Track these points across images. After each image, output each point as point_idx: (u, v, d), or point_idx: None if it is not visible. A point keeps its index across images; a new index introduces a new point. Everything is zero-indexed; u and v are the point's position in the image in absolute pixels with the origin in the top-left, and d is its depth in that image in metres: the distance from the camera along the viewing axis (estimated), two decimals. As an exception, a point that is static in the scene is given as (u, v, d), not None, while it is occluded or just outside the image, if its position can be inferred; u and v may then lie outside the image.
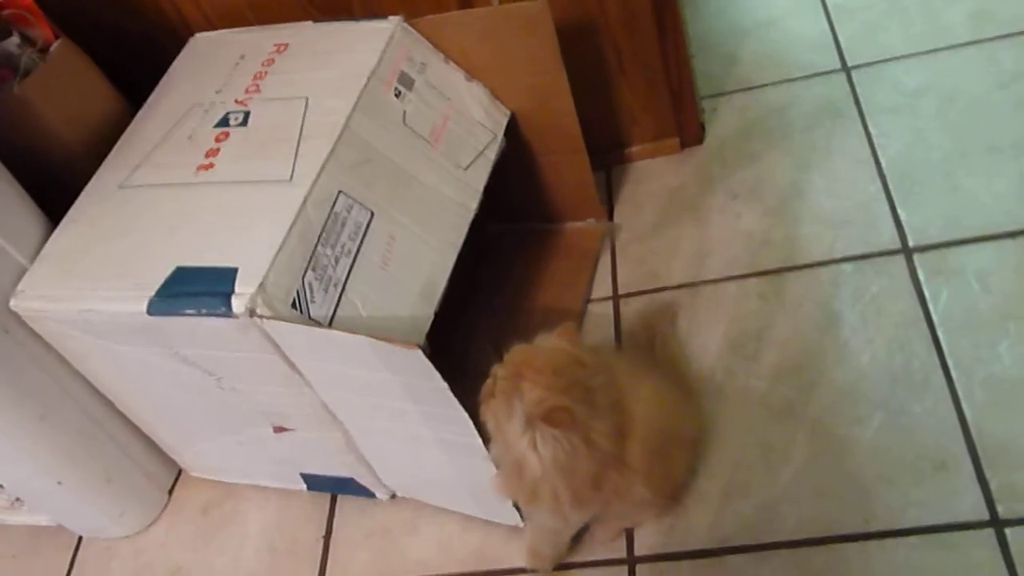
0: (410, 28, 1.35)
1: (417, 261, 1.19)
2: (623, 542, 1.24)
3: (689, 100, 1.61)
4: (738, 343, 1.38)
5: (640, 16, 1.47)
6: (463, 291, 1.49)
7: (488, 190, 1.32)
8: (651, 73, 1.56)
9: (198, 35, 1.48)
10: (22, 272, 1.20)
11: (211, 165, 1.21)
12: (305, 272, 1.08)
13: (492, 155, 1.36)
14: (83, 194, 1.27)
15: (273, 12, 1.48)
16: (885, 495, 1.17)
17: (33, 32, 1.38)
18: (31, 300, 1.17)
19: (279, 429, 1.28)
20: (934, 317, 1.31)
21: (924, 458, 1.19)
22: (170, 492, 1.52)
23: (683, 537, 1.22)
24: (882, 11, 1.78)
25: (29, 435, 1.29)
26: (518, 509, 1.23)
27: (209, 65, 1.39)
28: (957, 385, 1.24)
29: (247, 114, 1.27)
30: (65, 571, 1.47)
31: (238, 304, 1.03)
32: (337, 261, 1.11)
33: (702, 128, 1.68)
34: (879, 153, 1.54)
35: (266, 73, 1.33)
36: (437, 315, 1.17)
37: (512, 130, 1.42)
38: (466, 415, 1.05)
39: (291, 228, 1.09)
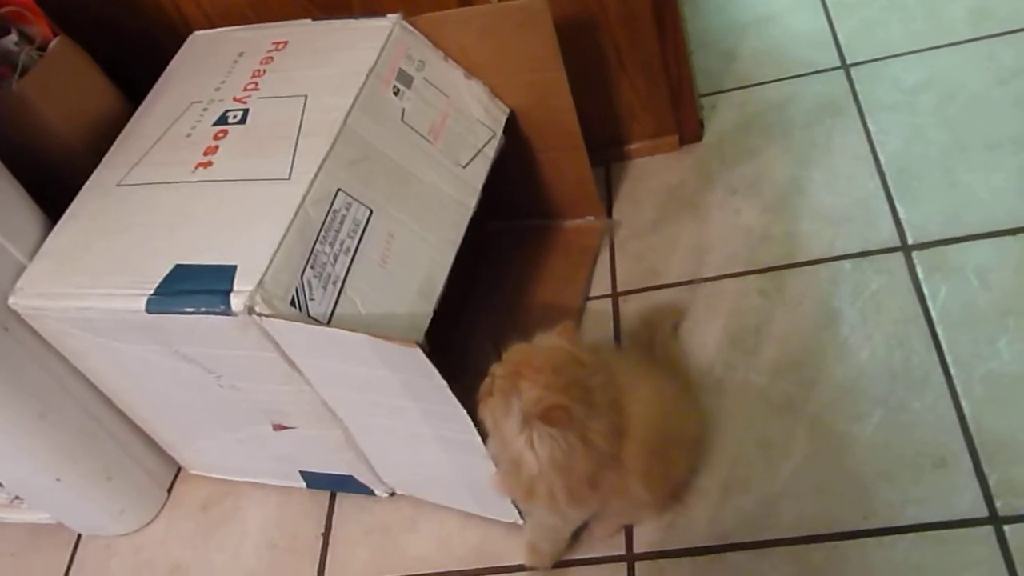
0: (409, 26, 1.35)
1: (416, 259, 1.19)
2: (622, 539, 1.25)
3: (688, 97, 1.61)
4: (738, 339, 1.38)
5: (639, 13, 1.47)
6: (462, 289, 1.49)
7: (487, 187, 1.32)
8: (650, 70, 1.56)
9: (197, 33, 1.48)
10: (21, 270, 1.20)
11: (210, 163, 1.21)
12: (304, 270, 1.08)
13: (491, 152, 1.36)
14: (82, 192, 1.27)
15: (272, 10, 1.48)
16: (884, 492, 1.17)
17: (32, 30, 1.38)
18: (30, 298, 1.17)
19: (278, 427, 1.28)
20: (933, 314, 1.31)
21: (923, 455, 1.19)
22: (169, 490, 1.52)
23: (682, 533, 1.22)
24: (882, 7, 1.77)
25: (28, 433, 1.29)
26: (517, 506, 1.23)
27: (208, 63, 1.39)
28: (956, 382, 1.24)
29: (246, 112, 1.27)
30: (64, 569, 1.47)
31: (237, 302, 1.03)
32: (336, 259, 1.11)
33: (701, 125, 1.68)
34: (878, 150, 1.54)
35: (265, 71, 1.33)
36: (436, 313, 1.17)
37: (511, 127, 1.42)
38: (465, 412, 1.05)
39: (290, 226, 1.09)
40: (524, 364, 1.06)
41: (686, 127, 1.66)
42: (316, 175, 1.14)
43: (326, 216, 1.12)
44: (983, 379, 1.23)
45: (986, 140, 1.49)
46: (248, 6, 1.49)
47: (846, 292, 1.38)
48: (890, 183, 1.49)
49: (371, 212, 1.17)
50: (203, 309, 1.05)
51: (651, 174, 1.67)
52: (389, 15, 1.34)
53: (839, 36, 1.76)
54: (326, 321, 1.07)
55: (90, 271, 1.15)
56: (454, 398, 1.03)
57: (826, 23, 1.79)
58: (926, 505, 1.15)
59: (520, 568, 1.26)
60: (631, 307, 1.49)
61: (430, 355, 0.98)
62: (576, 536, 1.25)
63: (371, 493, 1.38)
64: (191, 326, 1.08)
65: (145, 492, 1.48)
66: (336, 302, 1.09)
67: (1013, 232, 1.36)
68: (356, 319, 1.10)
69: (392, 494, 1.38)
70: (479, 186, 1.31)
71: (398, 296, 1.15)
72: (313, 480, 1.40)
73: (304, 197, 1.12)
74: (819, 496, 1.20)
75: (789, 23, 1.83)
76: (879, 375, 1.28)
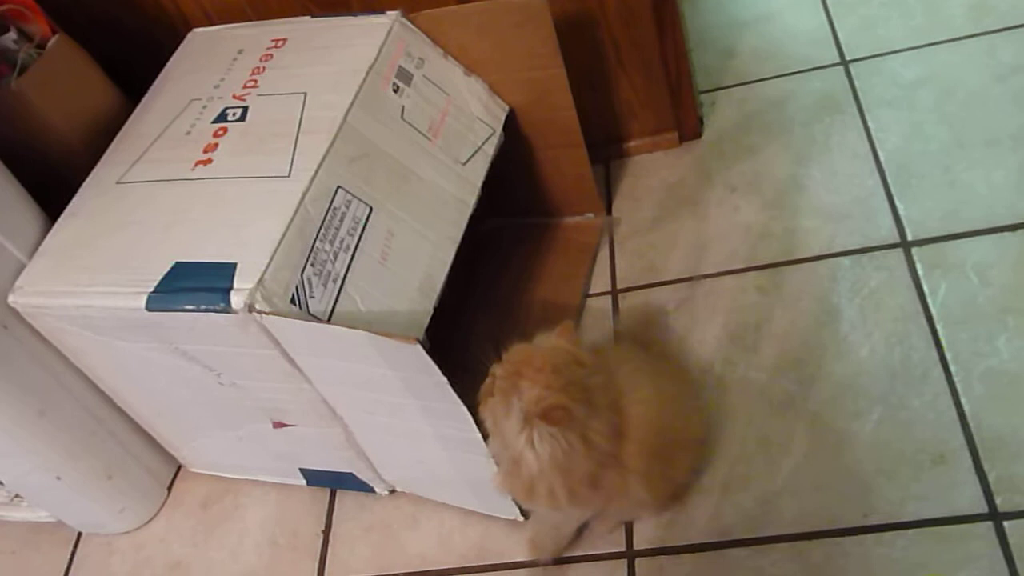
0: (408, 23, 1.35)
1: (416, 256, 1.19)
2: (622, 535, 1.25)
3: (688, 94, 1.61)
4: (737, 336, 1.39)
5: (639, 10, 1.47)
6: (462, 286, 1.49)
7: (487, 185, 1.32)
8: (650, 67, 1.56)
9: (196, 30, 1.48)
10: (20, 268, 1.20)
11: (209, 160, 1.21)
12: (304, 267, 1.08)
13: (491, 150, 1.35)
14: (81, 190, 1.27)
15: (271, 7, 1.48)
16: (884, 488, 1.18)
17: (30, 27, 1.38)
18: (29, 296, 1.17)
19: (278, 424, 1.28)
20: (933, 311, 1.31)
21: (923, 451, 1.19)
22: (169, 487, 1.52)
23: (683, 530, 1.22)
24: (881, 4, 1.77)
25: (28, 431, 1.29)
26: (518, 504, 1.23)
27: (207, 60, 1.39)
28: (956, 379, 1.24)
29: (245, 109, 1.27)
30: (65, 567, 1.47)
31: (237, 300, 1.03)
32: (336, 256, 1.11)
33: (701, 122, 1.68)
34: (877, 147, 1.54)
35: (264, 68, 1.33)
36: (436, 310, 1.17)
37: (511, 125, 1.42)
38: (465, 410, 1.05)
39: (290, 223, 1.09)
40: (524, 364, 1.06)
41: (685, 124, 1.66)
42: (316, 172, 1.14)
43: (326, 213, 1.12)
44: (983, 376, 1.23)
45: (985, 136, 1.49)
46: (247, 3, 1.49)
47: (845, 289, 1.38)
48: (889, 180, 1.49)
49: (371, 209, 1.17)
50: (203, 307, 1.05)
51: (650, 171, 1.67)
52: (388, 12, 1.34)
53: (838, 33, 1.76)
54: (326, 319, 1.07)
55: (90, 269, 1.15)
56: (454, 395, 1.03)
57: (825, 20, 1.79)
58: (926, 502, 1.15)
59: (521, 565, 1.26)
60: (630, 304, 1.49)
61: (430, 352, 0.98)
62: (578, 532, 1.25)
63: (371, 491, 1.38)
64: (191, 324, 1.08)
65: (145, 490, 1.48)
66: (336, 300, 1.09)
67: (1012, 228, 1.36)
68: (356, 316, 1.10)
69: (392, 492, 1.39)
70: (479, 183, 1.31)
71: (398, 293, 1.15)
72: (313, 478, 1.40)
73: (304, 194, 1.12)
74: (819, 493, 1.20)
75: (788, 20, 1.83)
76: (879, 372, 1.28)
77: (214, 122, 1.26)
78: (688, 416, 1.25)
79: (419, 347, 0.96)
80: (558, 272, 1.57)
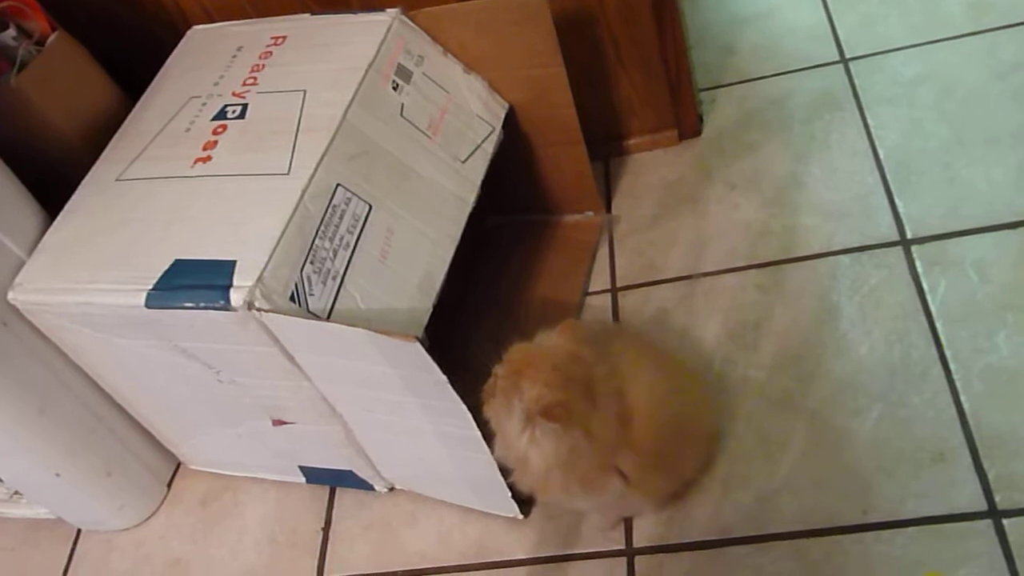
0: (408, 20, 1.35)
1: (415, 254, 1.19)
2: (622, 533, 1.25)
3: (687, 92, 1.61)
4: (736, 334, 1.39)
5: (638, 8, 1.47)
6: (461, 284, 1.49)
7: (486, 182, 1.32)
8: (649, 65, 1.56)
9: (196, 27, 1.48)
10: (20, 265, 1.20)
11: (209, 158, 1.21)
12: (303, 265, 1.08)
13: (490, 148, 1.35)
14: (80, 187, 1.27)
15: (271, 5, 1.47)
16: (884, 486, 1.18)
17: (30, 24, 1.38)
18: (29, 293, 1.17)
19: (278, 422, 1.28)
20: (932, 308, 1.32)
21: (922, 449, 1.19)
22: (169, 485, 1.52)
23: (682, 528, 1.22)
24: (880, 1, 1.77)
25: (28, 428, 1.29)
26: (517, 501, 1.23)
27: (207, 58, 1.39)
28: (955, 376, 1.24)
29: (245, 107, 1.27)
30: (64, 563, 1.47)
31: (236, 297, 1.03)
32: (335, 254, 1.11)
33: (700, 120, 1.68)
34: (877, 144, 1.54)
35: (264, 66, 1.33)
36: (435, 308, 1.17)
37: (510, 122, 1.42)
38: (465, 408, 1.05)
39: (289, 221, 1.09)
40: (525, 363, 1.07)
41: (685, 122, 1.66)
42: (315, 170, 1.14)
43: (325, 211, 1.12)
44: (982, 373, 1.23)
45: (985, 134, 1.49)
46: (247, 1, 1.49)
47: (845, 287, 1.38)
48: (889, 177, 1.49)
49: (370, 207, 1.17)
50: (202, 304, 1.05)
51: (650, 169, 1.67)
52: (388, 10, 1.34)
53: (838, 30, 1.76)
54: (325, 316, 1.07)
55: (89, 266, 1.15)
56: (454, 393, 1.03)
57: (825, 17, 1.79)
58: (925, 499, 1.15)
59: (520, 563, 1.26)
60: (630, 302, 1.49)
61: (430, 350, 0.98)
62: (575, 530, 1.25)
63: (371, 488, 1.38)
64: (190, 321, 1.08)
65: (145, 487, 1.48)
66: (336, 297, 1.09)
67: (1012, 226, 1.36)
68: (356, 314, 1.10)
69: (392, 489, 1.39)
70: (478, 181, 1.31)
71: (398, 291, 1.15)
72: (313, 475, 1.40)
73: (303, 192, 1.12)
74: (818, 491, 1.20)
75: (788, 18, 1.83)
76: (878, 370, 1.28)
77: (213, 119, 1.26)
78: (697, 409, 1.25)
79: (418, 345, 0.96)
80: (558, 270, 1.57)
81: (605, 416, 1.06)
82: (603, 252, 1.58)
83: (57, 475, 1.35)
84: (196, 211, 1.15)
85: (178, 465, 1.54)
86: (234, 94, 1.29)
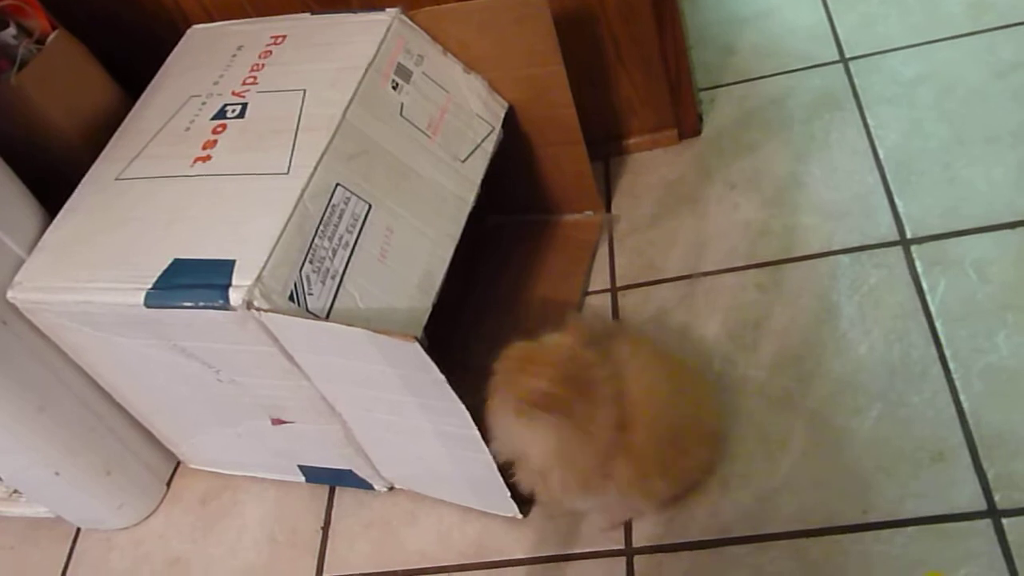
0: (407, 20, 1.35)
1: (415, 253, 1.19)
2: (621, 532, 1.25)
3: (687, 91, 1.61)
4: (736, 333, 1.38)
5: (638, 7, 1.47)
6: (461, 283, 1.49)
7: (486, 182, 1.32)
8: (649, 64, 1.56)
9: (195, 26, 1.48)
10: (19, 263, 1.20)
11: (208, 157, 1.21)
12: (303, 264, 1.08)
13: (490, 147, 1.35)
14: (80, 186, 1.27)
15: (271, 4, 1.47)
16: (883, 486, 1.18)
17: (30, 23, 1.38)
18: (28, 292, 1.17)
19: (277, 421, 1.28)
20: (932, 308, 1.31)
21: (922, 449, 1.19)
22: (168, 484, 1.52)
23: (681, 527, 1.22)
24: (880, 1, 1.77)
25: (28, 427, 1.29)
26: (516, 501, 1.23)
27: (207, 57, 1.39)
28: (955, 376, 1.24)
29: (244, 106, 1.27)
30: (64, 562, 1.47)
31: (235, 296, 1.03)
32: (335, 253, 1.11)
33: (700, 119, 1.68)
34: (877, 144, 1.54)
35: (264, 65, 1.33)
36: (435, 307, 1.17)
37: (510, 122, 1.42)
38: (463, 407, 1.05)
39: (288, 220, 1.09)
40: (526, 360, 1.07)
41: (685, 122, 1.66)
42: (315, 169, 1.14)
43: (325, 210, 1.12)
44: (982, 373, 1.23)
45: (985, 134, 1.49)
46: (247, 0, 1.49)
47: (845, 286, 1.38)
48: (889, 177, 1.49)
49: (370, 206, 1.17)
50: (201, 303, 1.05)
51: (650, 169, 1.67)
52: (388, 9, 1.34)
53: (838, 30, 1.76)
54: (325, 316, 1.07)
55: (89, 265, 1.15)
56: (453, 393, 1.03)
57: (825, 17, 1.79)
58: (925, 499, 1.15)
59: (520, 562, 1.26)
60: (630, 302, 1.49)
61: (429, 350, 0.98)
62: (575, 529, 1.25)
63: (370, 487, 1.38)
64: (189, 320, 1.08)
65: (144, 486, 1.48)
66: (335, 297, 1.09)
67: (1012, 226, 1.36)
68: (355, 314, 1.10)
69: (391, 488, 1.39)
70: (478, 181, 1.31)
71: (397, 291, 1.15)
72: (312, 474, 1.40)
73: (303, 191, 1.12)
74: (818, 490, 1.20)
75: (788, 17, 1.83)
76: (878, 369, 1.28)
77: (213, 119, 1.26)
78: (701, 411, 1.25)
79: (417, 345, 0.96)
80: (557, 270, 1.57)
81: (603, 418, 1.06)
82: (603, 252, 1.58)
83: (56, 474, 1.35)
84: (195, 210, 1.15)
85: (177, 464, 1.54)
86: (234, 93, 1.29)
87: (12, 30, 1.35)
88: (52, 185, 1.27)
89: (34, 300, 1.18)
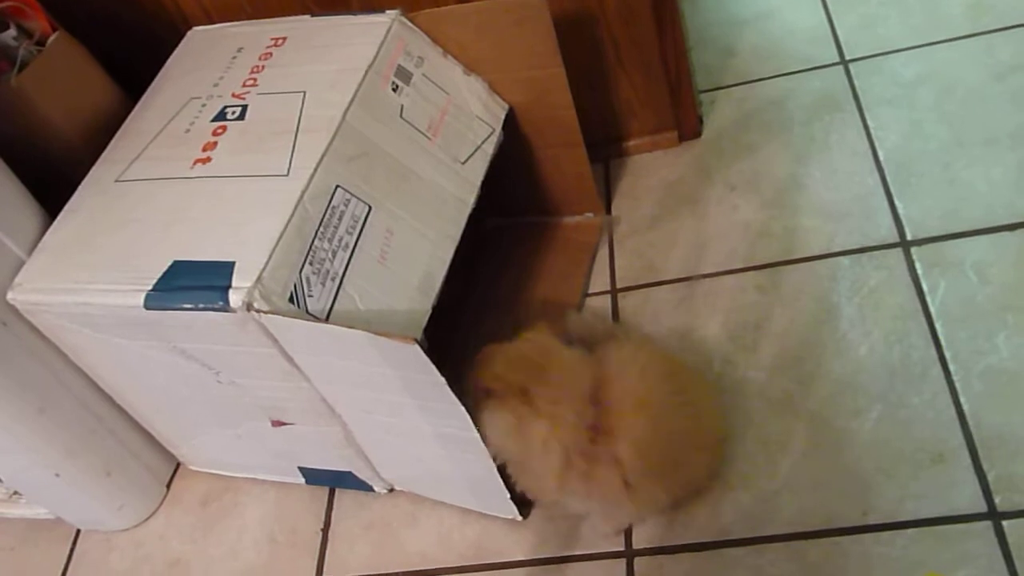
0: (407, 22, 1.35)
1: (415, 255, 1.19)
2: (621, 535, 1.24)
3: (687, 93, 1.61)
4: (736, 335, 1.39)
5: (638, 9, 1.47)
6: (461, 285, 1.49)
7: (486, 184, 1.32)
8: (649, 66, 1.56)
9: (196, 28, 1.48)
10: (19, 265, 1.20)
11: (208, 159, 1.21)
12: (303, 266, 1.08)
13: (490, 149, 1.35)
14: (80, 187, 1.27)
15: (271, 6, 1.48)
16: (883, 487, 1.18)
17: (30, 24, 1.38)
18: (28, 293, 1.17)
19: (277, 423, 1.28)
20: (932, 309, 1.32)
21: (922, 450, 1.19)
22: (168, 485, 1.52)
23: (682, 529, 1.22)
24: (880, 3, 1.77)
25: (28, 428, 1.29)
26: (516, 503, 1.23)
27: (207, 59, 1.39)
28: (955, 377, 1.24)
29: (244, 108, 1.27)
30: (63, 563, 1.47)
31: (235, 298, 1.03)
32: (335, 255, 1.11)
33: (700, 121, 1.68)
34: (877, 145, 1.54)
35: (264, 67, 1.33)
36: (435, 309, 1.17)
37: (510, 124, 1.42)
38: (463, 409, 1.05)
39: (288, 222, 1.09)
40: (485, 359, 1.13)
41: (685, 123, 1.66)
42: (315, 171, 1.14)
43: (325, 212, 1.12)
44: (982, 375, 1.23)
45: (984, 135, 1.49)
46: (247, 2, 1.49)
47: (845, 288, 1.38)
48: (889, 179, 1.49)
49: (370, 208, 1.17)
50: (201, 305, 1.05)
51: (650, 170, 1.67)
52: (388, 11, 1.34)
53: (838, 32, 1.76)
54: (324, 317, 1.07)
55: (89, 267, 1.15)
56: (452, 395, 1.03)
57: (825, 19, 1.79)
58: (925, 500, 1.15)
59: (520, 564, 1.26)
60: (630, 303, 1.49)
61: (429, 351, 0.98)
62: (575, 531, 1.25)
63: (370, 489, 1.38)
64: (189, 322, 1.08)
65: (144, 487, 1.48)
66: (335, 298, 1.09)
67: (1011, 227, 1.36)
68: (355, 315, 1.10)
69: (391, 490, 1.39)
70: (478, 182, 1.31)
71: (397, 292, 1.15)
72: (312, 476, 1.40)
73: (303, 193, 1.12)
74: (818, 492, 1.20)
75: (788, 19, 1.83)
76: (878, 371, 1.28)
77: (213, 120, 1.26)
78: (703, 415, 1.24)
79: (417, 347, 0.96)
80: (557, 271, 1.57)
81: (573, 406, 1.09)
82: (603, 253, 1.58)
83: (56, 475, 1.35)
84: (195, 212, 1.15)
85: (177, 465, 1.54)
86: (234, 95, 1.29)
87: (12, 31, 1.36)
88: (52, 186, 1.27)
89: (34, 301, 1.18)
